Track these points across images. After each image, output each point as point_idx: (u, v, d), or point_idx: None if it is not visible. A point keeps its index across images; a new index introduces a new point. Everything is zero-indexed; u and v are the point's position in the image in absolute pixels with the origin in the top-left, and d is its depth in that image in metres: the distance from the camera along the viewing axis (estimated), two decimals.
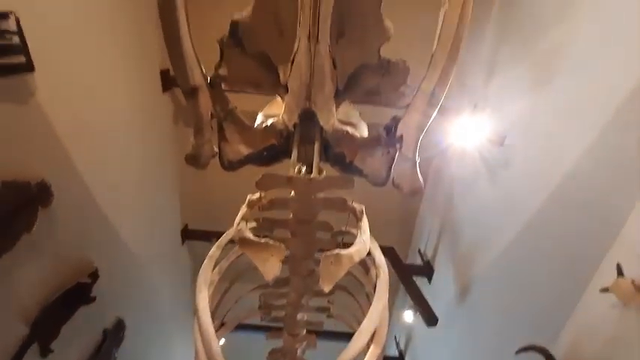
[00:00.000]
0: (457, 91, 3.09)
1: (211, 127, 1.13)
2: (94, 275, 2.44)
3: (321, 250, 1.61)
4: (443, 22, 0.88)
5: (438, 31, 0.91)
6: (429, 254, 4.00)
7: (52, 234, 2.00)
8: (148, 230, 3.42)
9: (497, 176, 2.40)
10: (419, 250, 4.29)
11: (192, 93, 1.00)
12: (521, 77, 2.29)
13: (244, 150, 1.19)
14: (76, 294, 2.26)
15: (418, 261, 4.18)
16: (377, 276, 1.35)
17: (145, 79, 3.02)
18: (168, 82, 3.39)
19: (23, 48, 1.47)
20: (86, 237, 2.40)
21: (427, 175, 3.86)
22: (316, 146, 1.14)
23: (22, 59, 1.46)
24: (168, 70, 3.31)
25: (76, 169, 2.14)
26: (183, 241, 4.44)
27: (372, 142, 1.17)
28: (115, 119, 2.57)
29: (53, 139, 1.89)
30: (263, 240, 1.00)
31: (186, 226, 4.47)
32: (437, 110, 0.96)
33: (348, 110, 1.46)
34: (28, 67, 1.51)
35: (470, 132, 2.47)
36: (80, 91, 2.09)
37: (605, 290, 1.40)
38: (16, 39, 1.40)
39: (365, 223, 1.30)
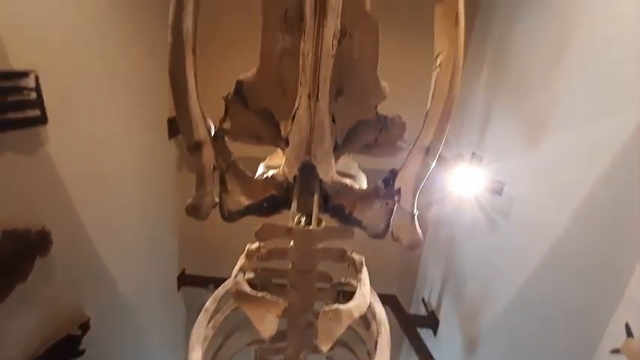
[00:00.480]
0: (454, 140, 3.17)
1: (213, 179, 1.15)
2: (85, 326, 2.35)
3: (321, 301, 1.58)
4: (435, 83, 0.93)
5: (431, 91, 0.96)
6: (433, 303, 3.87)
7: (46, 283, 1.96)
8: (144, 277, 3.35)
9: (497, 226, 2.39)
10: (422, 299, 4.15)
11: (196, 147, 1.03)
12: (515, 129, 2.36)
13: (245, 201, 1.21)
14: (65, 347, 2.16)
15: (422, 310, 4.03)
16: (378, 332, 1.30)
17: (153, 127, 3.13)
18: (174, 128, 3.50)
19: (39, 103, 1.55)
20: (80, 285, 2.35)
21: (427, 222, 3.85)
22: (316, 198, 1.16)
23: (36, 113, 1.53)
24: (175, 117, 3.43)
25: (77, 216, 2.15)
26: (179, 288, 4.32)
27: (371, 194, 1.19)
28: (120, 166, 2.63)
29: (58, 187, 1.92)
30: (260, 294, 0.98)
31: (184, 270, 4.38)
32: (433, 166, 0.99)
33: (347, 162, 1.50)
34: (42, 120, 1.58)
35: (468, 180, 2.51)
36: (89, 140, 2.16)
37: (616, 351, 1.34)
38: (33, 94, 1.48)
39: (365, 274, 1.28)
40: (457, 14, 0.84)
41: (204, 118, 1.05)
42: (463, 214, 2.96)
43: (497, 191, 2.26)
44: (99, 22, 2.15)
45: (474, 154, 2.93)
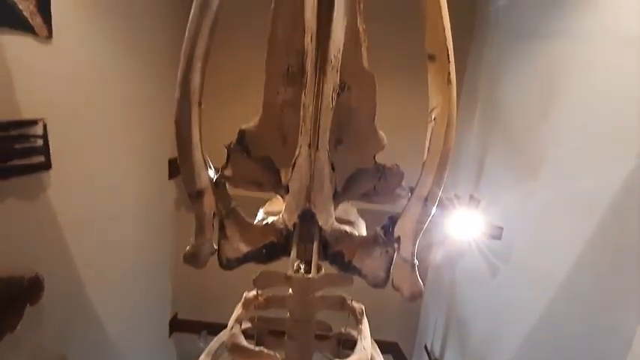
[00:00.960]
0: (451, 182, 3.21)
1: (212, 226, 1.16)
2: None
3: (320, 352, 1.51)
4: (431, 136, 0.97)
5: (427, 143, 1.00)
6: (436, 351, 3.71)
7: (34, 331, 1.88)
8: (134, 321, 3.22)
9: (497, 271, 2.36)
10: (425, 347, 3.98)
11: (197, 196, 1.05)
12: (510, 174, 2.41)
13: (244, 248, 1.20)
14: None
15: (425, 359, 3.85)
16: None
17: (153, 168, 3.16)
18: (174, 169, 3.54)
19: (45, 149, 1.58)
20: (67, 331, 2.26)
21: (427, 265, 3.79)
22: (315, 245, 1.16)
23: (41, 159, 1.55)
24: (176, 159, 3.49)
25: (71, 260, 2.11)
26: (170, 333, 4.14)
27: (370, 241, 1.19)
28: (119, 209, 2.62)
29: (55, 232, 1.91)
30: (257, 348, 0.95)
31: (176, 315, 4.21)
32: (432, 215, 1.00)
33: (346, 207, 1.51)
34: (46, 165, 1.60)
35: (467, 224, 2.51)
36: (90, 184, 2.18)
37: None
38: (40, 141, 1.52)
39: (365, 325, 1.25)
40: (449, 74, 0.89)
41: (206, 167, 1.07)
42: (463, 258, 2.92)
43: (496, 236, 2.25)
44: (106, 71, 2.24)
45: (471, 196, 2.95)
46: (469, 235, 2.51)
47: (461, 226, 2.56)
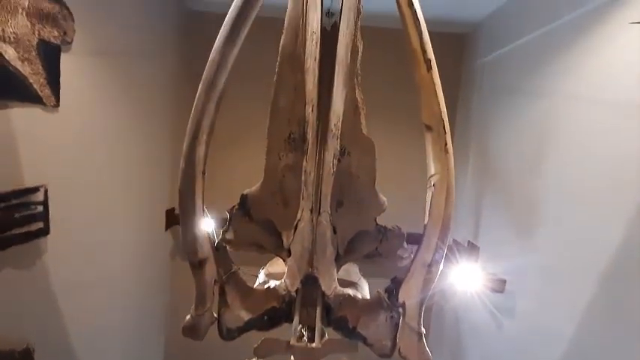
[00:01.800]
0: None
1: (213, 293, 1.13)
2: None
3: None
4: (431, 202, 0.99)
5: (427, 208, 1.01)
6: None
7: None
8: None
9: (503, 325, 2.29)
10: None
11: (199, 265, 1.03)
12: (507, 222, 2.42)
13: (245, 315, 1.17)
14: None
15: None
16: None
17: (151, 221, 3.13)
18: (171, 220, 3.51)
19: (44, 215, 1.56)
20: None
21: (430, 317, 3.67)
22: (318, 311, 1.13)
23: (40, 225, 1.54)
24: (172, 209, 3.48)
25: (63, 326, 2.01)
26: None
27: (374, 305, 1.16)
28: (115, 269, 2.55)
29: (49, 300, 1.83)
30: None
31: None
32: (435, 281, 0.99)
33: (348, 266, 1.49)
34: (45, 231, 1.58)
35: (469, 275, 2.47)
36: (87, 246, 2.11)
37: None
38: (40, 208, 1.51)
39: None
40: (446, 144, 0.93)
41: (209, 236, 1.07)
42: (467, 312, 2.84)
43: (499, 290, 2.21)
44: (108, 133, 2.30)
45: (470, 242, 2.93)
46: (472, 287, 2.46)
47: (463, 278, 2.52)
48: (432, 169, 0.99)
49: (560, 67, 2.00)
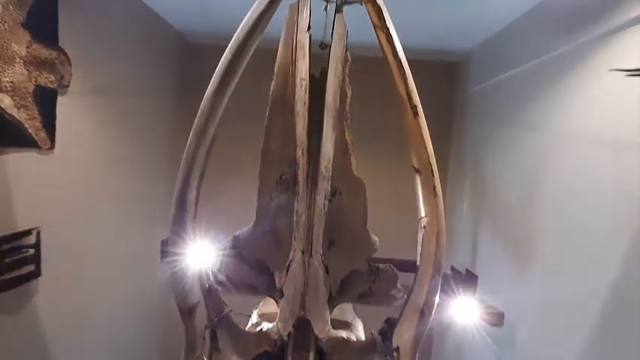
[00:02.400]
0: (446, 256, 3.17)
1: (204, 339, 1.11)
2: None
3: None
4: (422, 245, 0.99)
5: (419, 250, 1.01)
6: None
7: None
8: None
9: (502, 359, 2.24)
10: None
11: (189, 312, 1.02)
12: (506, 255, 2.41)
13: None
14: None
15: None
16: None
17: (145, 253, 3.08)
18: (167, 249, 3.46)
19: (36, 258, 1.54)
20: None
21: (430, 349, 3.58)
22: (311, 356, 1.11)
23: (31, 268, 1.51)
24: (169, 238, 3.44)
25: None
26: None
27: (369, 349, 1.14)
28: (109, 304, 2.48)
29: (40, 344, 1.77)
30: None
31: None
32: (429, 325, 0.98)
33: (342, 306, 1.47)
34: (36, 274, 1.54)
35: (467, 308, 2.42)
36: (81, 283, 2.06)
37: None
38: (32, 251, 1.49)
39: None
40: (434, 187, 0.94)
41: (199, 280, 1.06)
42: (467, 345, 2.78)
43: (498, 323, 2.18)
44: (103, 172, 2.31)
45: (467, 270, 2.90)
46: (470, 320, 2.41)
47: (461, 311, 2.47)
48: (422, 211, 0.99)
49: (550, 102, 2.05)
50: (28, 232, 1.47)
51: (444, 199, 1.01)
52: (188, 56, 3.43)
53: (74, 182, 1.98)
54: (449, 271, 3.06)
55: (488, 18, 2.49)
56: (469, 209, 3.13)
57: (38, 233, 1.51)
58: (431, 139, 1.03)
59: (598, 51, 1.69)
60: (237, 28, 0.91)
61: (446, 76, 3.63)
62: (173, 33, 3.22)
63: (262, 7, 0.88)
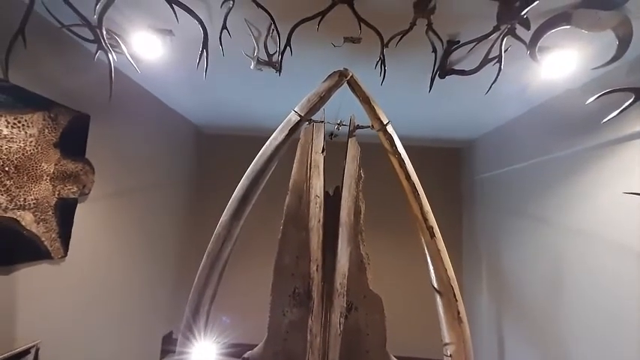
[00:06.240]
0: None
1: None
2: None
3: None
4: None
5: None
6: None
7: None
8: None
9: None
10: None
11: None
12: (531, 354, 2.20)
13: None
14: None
15: None
16: None
17: (145, 349, 2.90)
18: (166, 348, 3.27)
19: None
20: None
21: None
22: None
23: None
24: (170, 333, 3.26)
25: None
26: None
27: None
28: None
29: None
30: None
31: None
32: None
33: None
34: None
35: None
36: None
37: None
38: None
39: None
40: (458, 312, 0.88)
41: None
42: None
43: None
44: (111, 277, 2.26)
45: None
46: None
47: None
48: (446, 337, 0.92)
49: (557, 200, 2.07)
50: (26, 352, 1.39)
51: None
52: (202, 144, 3.65)
53: (80, 290, 1.93)
54: None
55: (485, 116, 2.63)
56: (490, 302, 2.93)
57: (37, 350, 1.43)
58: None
59: (603, 158, 1.73)
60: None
61: (453, 162, 3.71)
62: (191, 126, 3.45)
63: (281, 138, 0.93)
